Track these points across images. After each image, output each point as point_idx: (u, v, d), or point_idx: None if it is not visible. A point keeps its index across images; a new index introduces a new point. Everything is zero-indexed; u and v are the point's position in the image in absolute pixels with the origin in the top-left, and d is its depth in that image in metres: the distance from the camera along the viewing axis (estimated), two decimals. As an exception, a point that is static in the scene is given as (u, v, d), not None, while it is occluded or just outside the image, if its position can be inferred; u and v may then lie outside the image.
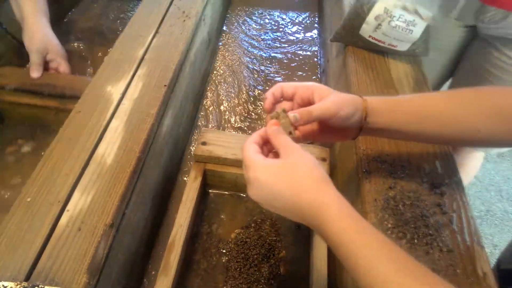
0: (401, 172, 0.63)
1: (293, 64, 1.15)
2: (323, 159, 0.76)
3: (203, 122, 0.97)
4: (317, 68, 1.14)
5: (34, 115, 0.88)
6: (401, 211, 0.58)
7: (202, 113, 0.99)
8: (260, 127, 0.97)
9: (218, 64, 1.13)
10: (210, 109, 1.00)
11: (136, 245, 0.65)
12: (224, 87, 1.06)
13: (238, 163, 0.75)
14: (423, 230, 0.56)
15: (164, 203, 0.79)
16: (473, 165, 1.18)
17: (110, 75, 0.76)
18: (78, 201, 0.55)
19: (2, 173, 0.79)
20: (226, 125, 0.97)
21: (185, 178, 0.85)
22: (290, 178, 0.43)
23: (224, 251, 0.72)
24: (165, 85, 0.75)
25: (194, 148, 0.90)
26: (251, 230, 0.74)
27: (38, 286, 0.46)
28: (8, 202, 0.69)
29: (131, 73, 0.77)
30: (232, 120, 0.98)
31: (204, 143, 0.77)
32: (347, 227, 0.40)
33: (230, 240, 0.73)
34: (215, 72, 1.10)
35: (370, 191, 0.60)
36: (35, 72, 0.85)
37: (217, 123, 0.97)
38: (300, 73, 1.12)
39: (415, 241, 0.55)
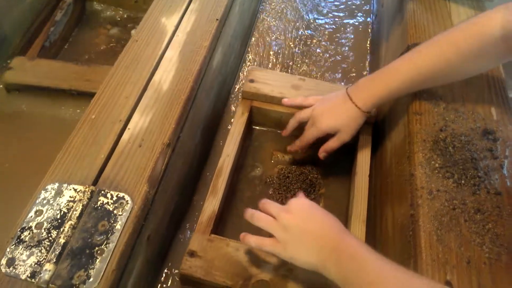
0: (454, 115, 0.62)
1: (344, 11, 1.11)
2: None
3: (249, 62, 0.98)
4: (369, 14, 1.10)
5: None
6: (451, 152, 0.57)
7: (249, 54, 1.00)
8: (305, 66, 0.96)
9: (266, 5, 1.11)
10: (257, 49, 1.00)
11: (188, 167, 0.69)
12: (271, 29, 1.05)
13: None
14: (471, 172, 0.55)
15: (212, 135, 0.83)
16: None
17: (164, 8, 0.77)
18: (138, 121, 0.59)
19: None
20: (271, 66, 0.97)
21: (231, 115, 0.87)
22: (324, 216, 0.50)
23: (266, 183, 0.75)
24: (217, 19, 0.75)
25: (241, 85, 0.92)
26: (293, 166, 0.77)
27: (104, 190, 0.51)
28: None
29: (184, 7, 0.78)
30: (279, 61, 0.98)
31: (251, 81, 0.79)
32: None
33: (273, 174, 0.76)
34: (263, 13, 1.09)
35: (420, 132, 0.60)
36: None
37: (263, 63, 0.97)
38: (350, 20, 1.08)
39: (462, 181, 0.55)
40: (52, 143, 0.64)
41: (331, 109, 0.65)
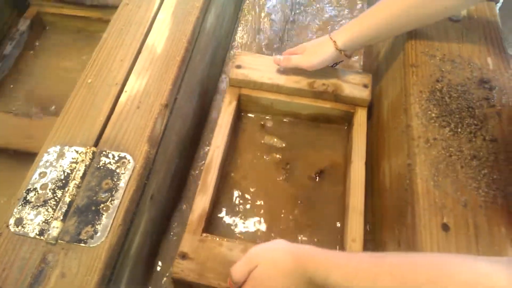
0: (451, 66, 0.62)
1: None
2: (365, 85, 0.72)
3: (242, 25, 0.96)
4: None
5: (77, 27, 0.89)
6: (447, 102, 0.58)
7: (241, 22, 0.98)
8: (296, 38, 0.95)
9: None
10: (250, 15, 0.99)
11: (186, 130, 0.70)
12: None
13: (274, 88, 0.73)
14: (468, 120, 0.56)
15: (208, 102, 0.83)
16: None
17: (154, -30, 0.75)
18: (134, 84, 0.59)
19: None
20: (264, 31, 0.95)
21: (226, 79, 0.86)
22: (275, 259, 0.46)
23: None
24: (208, -21, 0.74)
25: (235, 51, 0.91)
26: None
27: (105, 151, 0.52)
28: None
29: (174, -32, 0.76)
30: (272, 28, 0.96)
31: (239, 67, 0.73)
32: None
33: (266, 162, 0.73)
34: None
35: (416, 84, 0.60)
36: None
37: (255, 29, 0.96)
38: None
39: (459, 130, 0.55)
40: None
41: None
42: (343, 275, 0.40)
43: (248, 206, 0.69)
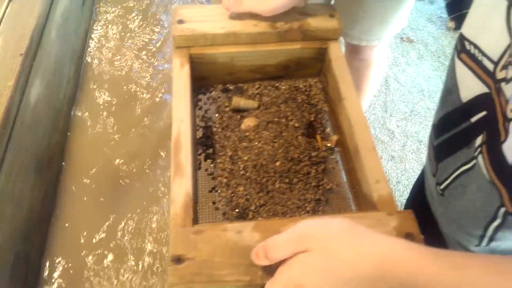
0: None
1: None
2: (331, 15, 0.64)
3: (92, 86, 0.97)
4: None
5: None
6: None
7: (89, 74, 0.99)
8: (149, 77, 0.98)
9: (100, 21, 1.09)
10: (97, 69, 1.00)
11: (25, 211, 0.68)
12: (110, 44, 1.04)
13: (231, 37, 0.61)
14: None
15: (56, 170, 0.81)
16: (380, 65, 1.16)
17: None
18: None
19: None
20: (112, 79, 0.97)
21: (75, 144, 0.86)
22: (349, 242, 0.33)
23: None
24: (21, 54, 0.74)
25: (83, 109, 0.90)
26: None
27: None
28: None
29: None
30: (125, 80, 0.98)
31: (181, 22, 0.60)
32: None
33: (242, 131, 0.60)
34: (98, 29, 1.07)
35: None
36: None
37: (108, 82, 0.97)
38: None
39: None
40: None
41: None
42: None
43: (236, 184, 0.55)
